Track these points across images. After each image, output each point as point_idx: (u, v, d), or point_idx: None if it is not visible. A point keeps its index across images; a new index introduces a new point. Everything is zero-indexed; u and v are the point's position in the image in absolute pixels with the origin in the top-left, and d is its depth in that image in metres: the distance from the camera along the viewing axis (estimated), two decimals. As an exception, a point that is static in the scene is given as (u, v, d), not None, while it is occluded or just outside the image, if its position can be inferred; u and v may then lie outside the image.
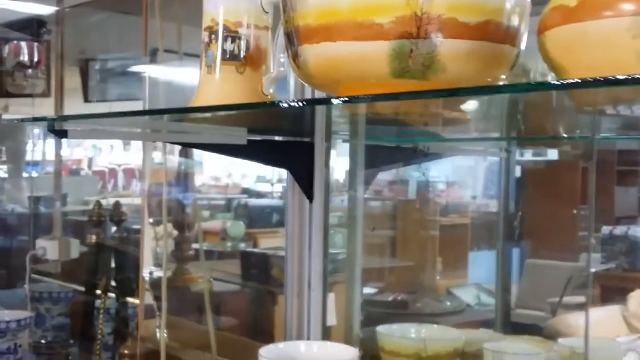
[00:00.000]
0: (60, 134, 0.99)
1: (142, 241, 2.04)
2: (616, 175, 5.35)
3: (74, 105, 3.95)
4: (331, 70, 0.74)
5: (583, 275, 3.96)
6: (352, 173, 1.33)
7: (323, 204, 1.22)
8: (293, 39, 0.77)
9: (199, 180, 6.94)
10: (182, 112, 0.93)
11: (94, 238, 2.82)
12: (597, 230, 4.28)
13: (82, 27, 3.58)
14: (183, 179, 3.26)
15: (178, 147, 2.64)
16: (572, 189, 4.07)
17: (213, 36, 0.95)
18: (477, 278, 3.86)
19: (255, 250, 3.69)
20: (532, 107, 0.86)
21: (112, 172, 8.15)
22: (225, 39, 0.94)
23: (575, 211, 3.99)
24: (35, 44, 4.08)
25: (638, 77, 0.52)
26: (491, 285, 2.17)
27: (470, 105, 0.91)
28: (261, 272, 2.64)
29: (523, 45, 0.74)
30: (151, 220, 2.66)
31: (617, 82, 0.53)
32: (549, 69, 0.63)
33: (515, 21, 0.71)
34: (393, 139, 1.35)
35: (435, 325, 1.34)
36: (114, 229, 2.91)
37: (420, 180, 4.12)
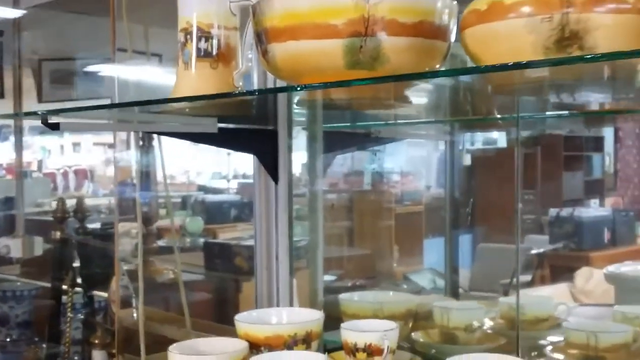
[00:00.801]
0: (53, 126, 1.13)
1: (117, 226, 2.18)
2: (563, 161, 5.64)
3: (29, 105, 4.01)
4: (295, 64, 0.91)
5: (529, 255, 4.23)
6: (310, 157, 1.50)
7: (287, 184, 1.39)
8: (262, 38, 0.94)
9: (158, 177, 7.04)
10: (165, 102, 1.09)
11: (58, 234, 2.94)
12: (545, 214, 4.55)
13: (36, 29, 3.66)
14: (144, 177, 3.37)
15: (133, 147, 2.79)
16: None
17: (188, 36, 1.11)
18: (431, 263, 4.06)
19: (218, 240, 3.83)
20: (465, 92, 1.05)
21: (64, 174, 8.16)
22: (199, 39, 1.10)
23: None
24: (-12, 45, 4.14)
25: (536, 62, 0.70)
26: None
27: (414, 92, 1.09)
28: (224, 262, 2.79)
29: (453, 39, 0.92)
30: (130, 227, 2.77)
31: (520, 66, 0.71)
32: (470, 59, 0.81)
33: (445, 20, 0.89)
34: (348, 125, 1.52)
35: (390, 292, 1.53)
36: (77, 225, 3.02)
37: (375, 172, 4.30)
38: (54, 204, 3.08)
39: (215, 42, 1.11)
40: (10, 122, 4.03)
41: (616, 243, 4.42)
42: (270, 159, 1.40)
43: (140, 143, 2.90)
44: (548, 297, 1.48)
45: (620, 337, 1.22)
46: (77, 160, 8.76)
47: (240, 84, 1.12)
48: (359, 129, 1.52)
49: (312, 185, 1.51)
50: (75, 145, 9.34)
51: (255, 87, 1.35)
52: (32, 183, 6.68)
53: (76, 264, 2.93)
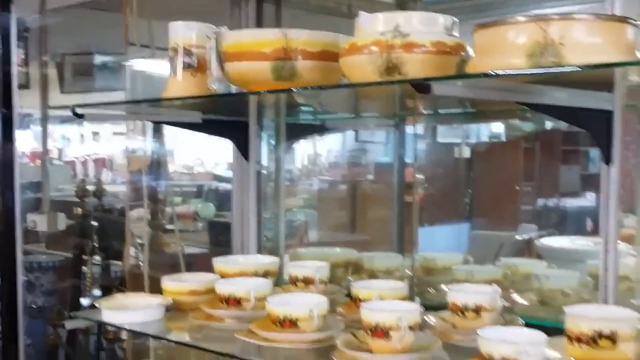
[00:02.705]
0: (79, 116, 1.68)
1: (127, 206, 2.74)
2: (561, 155, 6.07)
3: (53, 96, 4.59)
4: (242, 77, 1.46)
5: (516, 241, 4.71)
6: (277, 142, 2.05)
7: (255, 161, 1.94)
8: (221, 58, 1.48)
9: (170, 168, 7.63)
10: (161, 100, 1.64)
11: (79, 210, 3.52)
12: (538, 204, 5.01)
13: (60, 25, 4.21)
14: (157, 167, 3.93)
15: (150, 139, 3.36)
16: (516, 167, 4.78)
17: (176, 54, 1.65)
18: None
19: (219, 220, 4.39)
20: (367, 95, 1.58)
21: (84, 162, 8.80)
22: (184, 55, 1.64)
23: (518, 187, 4.71)
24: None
25: (380, 81, 1.23)
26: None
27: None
28: (225, 238, 3.33)
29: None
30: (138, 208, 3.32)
31: (378, 84, 1.24)
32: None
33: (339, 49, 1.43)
34: (305, 118, 2.07)
35: (337, 249, 2.07)
36: (96, 202, 3.61)
37: (379, 162, 4.77)
38: (75, 187, 3.66)
39: (195, 57, 1.65)
40: (33, 111, 4.59)
41: (598, 231, 4.86)
42: (243, 143, 1.94)
43: (152, 135, 3.47)
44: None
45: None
46: (96, 149, 9.38)
47: (214, 86, 1.65)
48: (314, 122, 2.07)
49: (277, 165, 2.06)
50: (95, 134, 9.96)
51: (233, 91, 1.88)
52: (52, 170, 7.26)
53: (95, 237, 3.50)
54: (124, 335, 2.87)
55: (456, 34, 1.30)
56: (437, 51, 1.25)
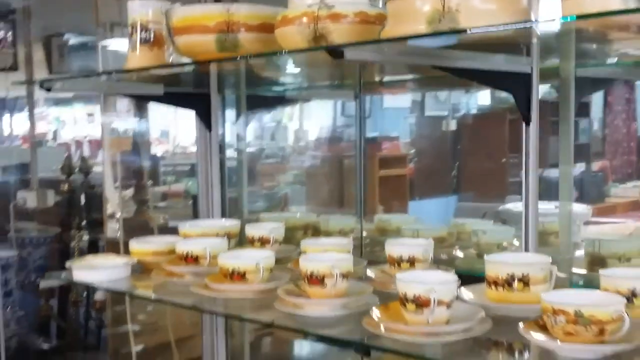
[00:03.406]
0: (48, 89, 1.81)
1: (105, 183, 2.89)
2: (551, 126, 6.19)
3: (41, 76, 4.72)
4: (189, 49, 1.58)
5: (496, 211, 4.82)
6: (238, 113, 2.18)
7: (218, 131, 2.07)
8: (171, 33, 1.61)
9: (163, 148, 7.78)
10: (123, 72, 1.77)
11: (66, 187, 3.67)
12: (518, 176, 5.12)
13: (46, 6, 4.32)
14: (145, 147, 4.05)
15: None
16: (501, 140, 4.89)
17: (134, 30, 1.78)
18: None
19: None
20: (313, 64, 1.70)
21: (78, 144, 8.92)
22: (141, 31, 1.77)
23: (504, 160, 4.83)
24: (1, 23, 4.87)
25: (301, 49, 1.36)
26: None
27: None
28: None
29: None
30: (116, 184, 3.47)
31: (300, 51, 1.37)
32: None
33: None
34: (266, 89, 2.20)
35: (297, 213, 2.20)
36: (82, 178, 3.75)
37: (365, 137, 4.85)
38: (61, 165, 3.80)
39: (152, 33, 1.77)
40: (24, 93, 4.73)
41: (583, 200, 4.99)
42: (204, 115, 2.07)
43: (140, 116, 3.61)
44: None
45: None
46: (90, 131, 9.49)
47: (170, 59, 1.78)
48: (274, 93, 2.20)
49: (238, 136, 2.20)
50: (90, 115, 10.07)
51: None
52: (46, 151, 7.39)
53: (81, 213, 3.66)
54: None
55: (379, 4, 1.43)
56: (361, 21, 1.37)
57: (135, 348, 2.64)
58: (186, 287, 1.67)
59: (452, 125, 3.98)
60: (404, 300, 1.29)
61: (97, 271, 1.79)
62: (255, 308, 1.56)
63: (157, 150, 6.42)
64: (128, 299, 2.53)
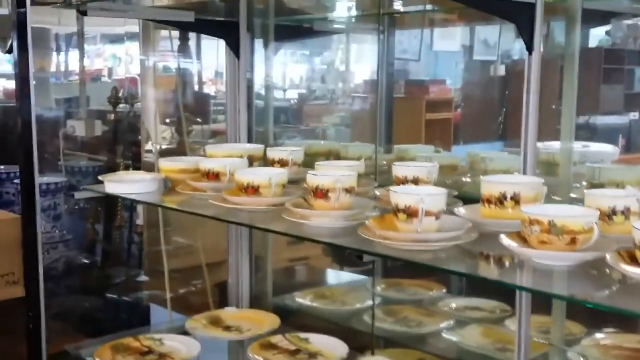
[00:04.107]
0: (83, 13, 1.94)
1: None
2: (602, 73, 6.09)
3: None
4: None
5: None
6: (265, 45, 2.29)
7: (248, 59, 2.19)
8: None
9: (215, 88, 7.97)
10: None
11: (112, 117, 3.84)
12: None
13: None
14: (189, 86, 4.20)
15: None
16: (553, 86, 4.88)
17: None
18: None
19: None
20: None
21: (132, 80, 9.17)
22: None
23: (553, 107, 4.83)
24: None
25: None
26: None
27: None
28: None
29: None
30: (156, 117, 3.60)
31: None
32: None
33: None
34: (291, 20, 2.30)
35: (322, 141, 2.30)
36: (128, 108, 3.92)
37: (408, 79, 4.90)
38: (108, 96, 3.97)
39: (181, -39, 1.88)
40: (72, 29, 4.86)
41: (630, 149, 4.96)
42: (234, 42, 2.18)
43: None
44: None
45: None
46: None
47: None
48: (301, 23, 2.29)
49: (266, 63, 2.31)
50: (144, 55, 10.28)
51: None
52: (99, 86, 7.62)
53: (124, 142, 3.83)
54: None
55: None
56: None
57: (169, 267, 2.82)
58: (206, 201, 1.81)
59: (501, 71, 3.96)
60: (396, 211, 1.40)
61: (127, 184, 1.94)
62: (267, 219, 1.69)
63: (209, 89, 6.58)
64: (161, 220, 2.69)
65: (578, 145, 2.43)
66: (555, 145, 2.30)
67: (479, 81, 4.15)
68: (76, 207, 4.31)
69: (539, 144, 2.62)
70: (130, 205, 3.95)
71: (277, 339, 2.07)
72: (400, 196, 1.38)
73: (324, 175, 1.58)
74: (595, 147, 2.51)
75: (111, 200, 4.01)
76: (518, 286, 1.34)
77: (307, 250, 3.08)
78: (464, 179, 1.99)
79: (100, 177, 1.98)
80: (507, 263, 1.34)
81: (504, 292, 1.94)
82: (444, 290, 2.47)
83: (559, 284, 1.25)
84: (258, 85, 2.42)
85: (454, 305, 2.35)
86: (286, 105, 5.81)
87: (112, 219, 3.92)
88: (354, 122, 4.01)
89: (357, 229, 1.45)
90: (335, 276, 3.04)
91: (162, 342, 2.08)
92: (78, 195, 2.04)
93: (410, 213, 1.37)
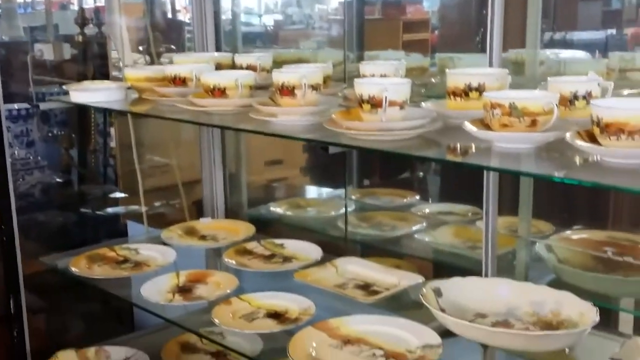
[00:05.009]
0: None
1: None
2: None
3: None
4: None
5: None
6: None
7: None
8: None
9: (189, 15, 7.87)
10: None
11: (80, 38, 3.78)
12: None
13: None
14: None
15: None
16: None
17: None
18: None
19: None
20: None
21: (101, 9, 8.98)
22: None
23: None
24: None
25: None
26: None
27: None
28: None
29: None
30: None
31: None
32: None
33: None
34: None
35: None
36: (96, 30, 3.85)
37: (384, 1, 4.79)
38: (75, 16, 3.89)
39: None
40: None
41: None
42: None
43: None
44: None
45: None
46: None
47: None
48: None
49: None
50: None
51: None
52: (68, 15, 7.46)
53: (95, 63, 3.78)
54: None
55: None
56: None
57: (146, 187, 2.84)
58: (173, 106, 1.81)
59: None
60: (360, 102, 1.41)
61: (92, 92, 1.93)
62: (235, 121, 1.69)
63: (183, 17, 6.47)
64: (133, 130, 2.68)
65: (551, 53, 2.45)
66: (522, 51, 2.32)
67: (456, 1, 4.11)
68: (50, 134, 4.29)
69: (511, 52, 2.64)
70: (104, 129, 3.94)
71: (253, 245, 2.10)
72: (364, 86, 1.38)
73: (289, 72, 1.58)
74: (568, 53, 2.52)
75: (85, 125, 3.99)
76: (484, 166, 1.35)
77: (285, 171, 3.11)
78: (433, 80, 2.00)
79: (65, 87, 1.96)
80: (472, 149, 1.35)
81: (476, 197, 1.98)
82: (418, 197, 2.52)
83: (523, 165, 1.27)
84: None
85: (427, 210, 2.39)
86: (261, 31, 5.73)
87: (87, 144, 3.90)
88: (330, 45, 3.98)
89: (324, 124, 1.46)
90: (311, 190, 3.07)
91: (138, 252, 2.10)
92: (44, 106, 2.03)
93: (375, 103, 1.38)
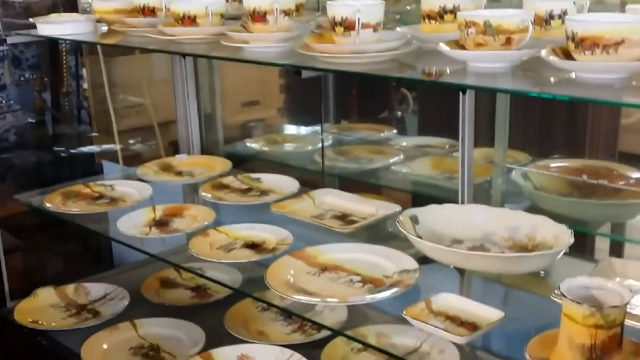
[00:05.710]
0: None
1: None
2: None
3: None
4: None
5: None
6: None
7: None
8: None
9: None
10: None
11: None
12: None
13: None
14: None
15: None
16: None
17: None
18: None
19: None
20: None
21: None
22: None
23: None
24: None
25: None
26: None
27: None
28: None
29: None
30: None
31: None
32: None
33: None
34: None
35: None
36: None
37: None
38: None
39: None
40: None
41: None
42: None
43: None
44: None
45: None
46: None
47: None
48: None
49: None
50: None
51: None
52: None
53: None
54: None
55: None
56: None
57: (120, 128, 2.81)
58: (143, 36, 1.77)
59: None
60: (333, 25, 1.38)
61: (60, 25, 1.88)
62: (206, 49, 1.66)
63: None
64: (105, 75, 2.64)
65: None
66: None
67: None
68: (22, 78, 4.21)
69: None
70: (76, 71, 3.87)
71: (229, 180, 2.09)
72: (337, 8, 1.36)
73: (260, -3, 1.54)
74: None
75: (56, 67, 3.92)
76: (460, 84, 1.33)
77: (261, 112, 3.07)
78: (408, 8, 1.97)
79: (32, 20, 1.91)
80: (447, 71, 1.34)
81: (454, 130, 1.97)
82: (395, 132, 2.50)
83: (499, 83, 1.25)
84: None
85: (404, 143, 2.38)
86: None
87: (59, 86, 3.84)
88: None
89: (297, 49, 1.44)
90: (289, 129, 3.05)
91: (114, 188, 2.08)
92: (11, 40, 1.98)
93: (348, 26, 1.36)
